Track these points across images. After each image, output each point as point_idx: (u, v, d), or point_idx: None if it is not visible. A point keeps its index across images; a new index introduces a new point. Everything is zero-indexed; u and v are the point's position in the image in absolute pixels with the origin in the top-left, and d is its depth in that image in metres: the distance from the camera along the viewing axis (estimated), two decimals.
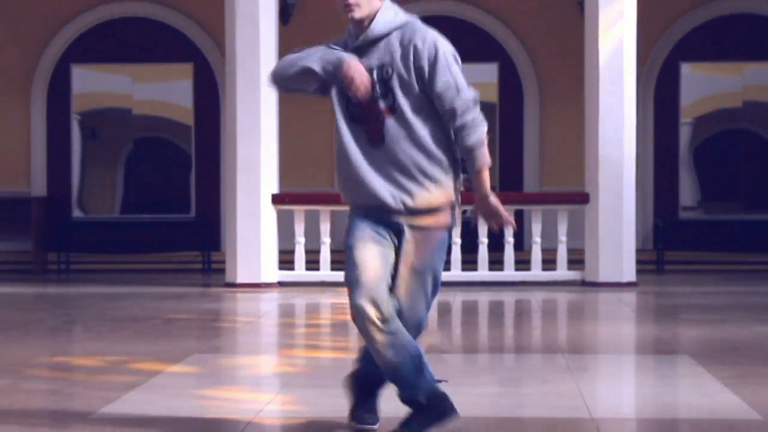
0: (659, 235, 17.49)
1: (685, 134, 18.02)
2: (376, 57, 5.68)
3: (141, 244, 17.88)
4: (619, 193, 14.69)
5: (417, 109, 5.64)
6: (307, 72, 5.70)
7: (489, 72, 17.42)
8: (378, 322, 5.56)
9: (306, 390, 7.65)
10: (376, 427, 5.99)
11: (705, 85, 18.07)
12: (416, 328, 5.79)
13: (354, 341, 10.59)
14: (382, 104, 5.64)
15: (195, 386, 7.75)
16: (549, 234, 15.43)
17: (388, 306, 5.61)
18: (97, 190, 18.36)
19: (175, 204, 18.15)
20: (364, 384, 6.02)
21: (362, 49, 5.68)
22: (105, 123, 18.29)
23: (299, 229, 14.98)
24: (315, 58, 5.70)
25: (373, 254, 5.66)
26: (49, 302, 13.46)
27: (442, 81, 5.59)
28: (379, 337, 5.58)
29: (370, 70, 5.62)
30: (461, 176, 5.76)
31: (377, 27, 5.67)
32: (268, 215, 14.77)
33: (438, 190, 5.69)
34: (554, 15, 17.31)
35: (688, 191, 18.03)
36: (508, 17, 17.41)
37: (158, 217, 18.04)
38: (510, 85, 17.54)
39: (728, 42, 17.78)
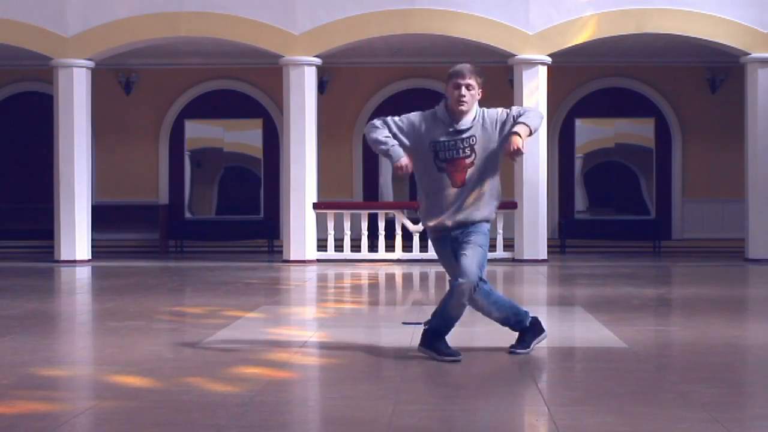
0: (562, 228, 17.48)
1: (578, 164, 18.03)
2: (468, 132, 5.91)
3: (228, 234, 17.87)
4: (536, 202, 14.70)
5: (484, 169, 5.95)
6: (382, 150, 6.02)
7: None
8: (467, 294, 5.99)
9: (335, 329, 7.67)
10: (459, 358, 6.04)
11: (590, 133, 18.05)
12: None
13: (364, 297, 10.60)
14: (467, 161, 5.88)
15: (263, 326, 7.75)
16: (491, 228, 15.41)
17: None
18: (200, 199, 18.34)
19: (250, 208, 18.12)
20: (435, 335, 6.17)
21: (463, 129, 5.92)
22: (206, 157, 18.27)
23: (330, 225, 14.98)
24: (385, 148, 5.97)
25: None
26: (169, 272, 13.49)
27: (512, 117, 5.95)
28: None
29: (462, 140, 5.90)
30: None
31: (470, 119, 5.96)
32: (310, 216, 14.77)
33: (488, 211, 6.06)
34: (494, 87, 17.32)
35: (580, 200, 18.02)
36: None
37: (239, 217, 18.02)
38: None
39: (605, 105, 17.80)
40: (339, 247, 15.04)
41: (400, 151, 5.91)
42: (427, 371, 5.73)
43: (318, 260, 14.74)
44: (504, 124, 5.96)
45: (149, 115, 17.95)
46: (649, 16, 14.55)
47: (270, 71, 16.59)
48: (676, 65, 17.55)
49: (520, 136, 5.78)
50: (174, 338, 7.08)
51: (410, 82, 17.62)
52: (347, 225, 14.87)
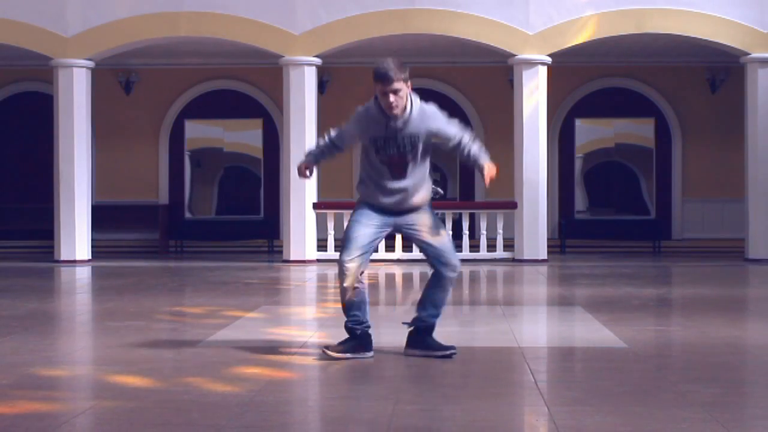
0: (562, 228, 17.48)
1: (578, 164, 18.03)
2: (407, 130, 6.01)
3: (228, 234, 17.88)
4: (536, 202, 14.70)
5: (423, 159, 6.08)
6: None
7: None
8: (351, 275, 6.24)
9: (334, 329, 7.65)
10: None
11: (590, 133, 18.07)
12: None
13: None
14: (408, 156, 6.03)
15: (263, 326, 7.75)
16: (491, 228, 15.45)
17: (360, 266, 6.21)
18: (201, 199, 18.35)
19: (250, 208, 18.13)
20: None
21: (401, 127, 6.02)
22: (206, 157, 18.29)
23: (330, 225, 14.98)
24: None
25: (366, 232, 6.23)
26: (169, 272, 13.48)
27: (450, 132, 6.10)
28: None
29: (403, 137, 5.99)
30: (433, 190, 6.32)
31: (406, 116, 6.04)
32: (310, 216, 14.77)
33: (424, 197, 6.15)
34: (494, 87, 17.32)
35: (580, 200, 18.02)
36: (463, 89, 17.43)
37: (239, 217, 18.03)
38: None
39: (605, 106, 17.80)
40: (339, 247, 15.03)
41: (308, 158, 6.37)
42: (427, 371, 5.73)
43: (318, 260, 14.74)
44: (437, 135, 6.08)
45: (149, 115, 17.95)
46: (649, 16, 14.55)
47: (270, 71, 16.58)
48: (676, 65, 17.55)
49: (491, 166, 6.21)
50: (174, 338, 7.08)
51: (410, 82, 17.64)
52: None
